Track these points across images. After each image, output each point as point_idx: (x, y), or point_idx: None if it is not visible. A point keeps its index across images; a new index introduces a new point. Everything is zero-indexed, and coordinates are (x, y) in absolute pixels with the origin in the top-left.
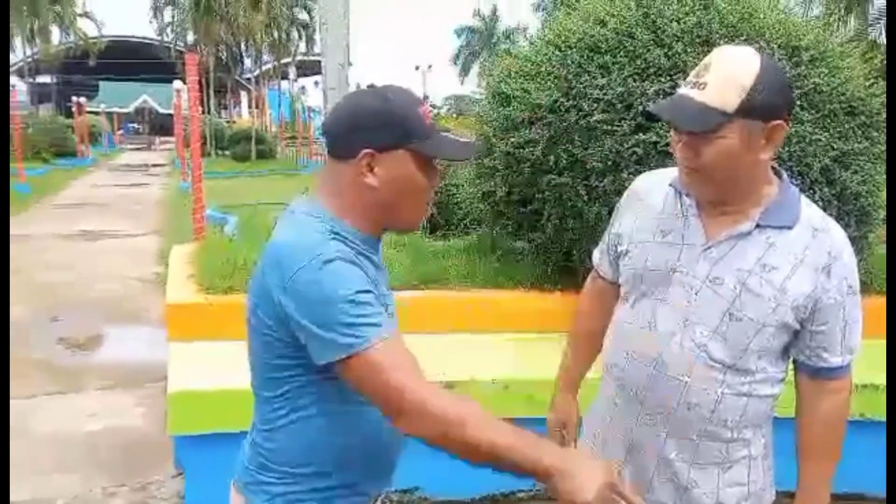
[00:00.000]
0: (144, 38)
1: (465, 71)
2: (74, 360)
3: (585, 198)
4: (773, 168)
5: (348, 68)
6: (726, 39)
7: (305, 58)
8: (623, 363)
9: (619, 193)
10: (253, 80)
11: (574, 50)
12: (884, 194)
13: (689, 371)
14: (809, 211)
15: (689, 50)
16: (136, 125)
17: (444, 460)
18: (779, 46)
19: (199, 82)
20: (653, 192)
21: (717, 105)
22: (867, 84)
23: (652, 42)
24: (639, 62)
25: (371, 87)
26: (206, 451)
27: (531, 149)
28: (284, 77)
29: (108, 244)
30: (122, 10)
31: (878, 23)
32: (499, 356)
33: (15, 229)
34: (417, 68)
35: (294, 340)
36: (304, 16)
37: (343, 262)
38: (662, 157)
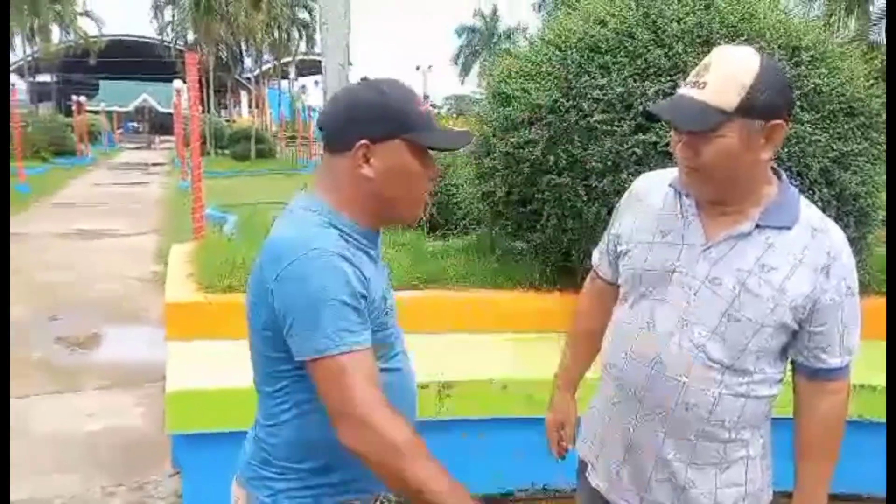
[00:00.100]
0: (144, 37)
1: (465, 71)
2: (73, 360)
3: (585, 198)
4: (772, 168)
5: (349, 68)
6: (726, 39)
7: (306, 57)
8: (622, 363)
9: (619, 194)
10: (253, 79)
11: (574, 50)
12: (883, 195)
13: (687, 371)
14: (808, 211)
15: (689, 50)
16: (135, 124)
17: (441, 459)
18: (779, 47)
19: (199, 81)
20: (652, 192)
21: (717, 104)
22: (867, 85)
23: (652, 42)
24: (639, 62)
25: (364, 80)
26: (204, 450)
27: (531, 149)
28: (285, 76)
29: (107, 243)
30: (122, 9)
31: (880, 23)
32: (498, 356)
33: (14, 228)
34: (418, 68)
35: None
36: (304, 15)
37: (337, 259)
38: (662, 158)
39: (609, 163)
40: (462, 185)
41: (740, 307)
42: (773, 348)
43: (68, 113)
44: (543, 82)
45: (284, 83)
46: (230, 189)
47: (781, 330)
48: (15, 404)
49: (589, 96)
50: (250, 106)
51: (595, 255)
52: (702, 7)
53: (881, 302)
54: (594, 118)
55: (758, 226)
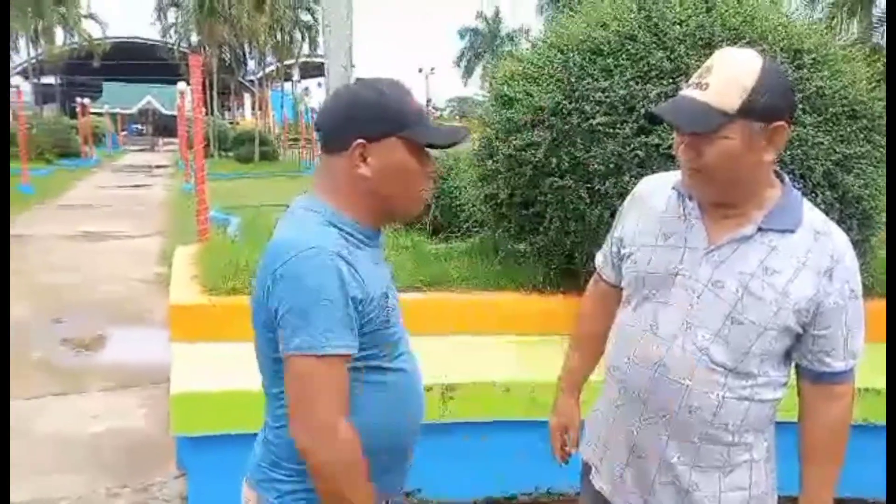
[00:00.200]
0: (148, 39)
1: (468, 73)
2: (77, 362)
3: (587, 200)
4: (775, 172)
5: (351, 70)
6: (728, 42)
7: (309, 59)
8: (625, 366)
9: (622, 196)
10: (256, 81)
11: (576, 52)
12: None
13: (690, 374)
14: (811, 214)
15: (691, 53)
16: (139, 126)
17: (444, 463)
18: (781, 49)
19: (203, 84)
20: (655, 195)
21: (719, 105)
22: (870, 88)
23: (654, 45)
24: (641, 65)
25: (359, 80)
26: (209, 452)
27: (533, 151)
28: (288, 79)
29: (112, 245)
30: (126, 12)
31: (882, 26)
32: (501, 358)
33: (18, 230)
34: (420, 70)
35: None
36: (307, 17)
37: (335, 258)
38: (664, 160)
39: (611, 165)
40: (465, 188)
41: (743, 310)
42: (776, 351)
43: (73, 115)
44: (546, 85)
45: (287, 85)
46: (234, 191)
47: (785, 333)
48: (20, 405)
49: (591, 99)
50: (254, 108)
51: (598, 257)
52: (703, 10)
53: (885, 304)
54: (596, 121)
55: (760, 229)
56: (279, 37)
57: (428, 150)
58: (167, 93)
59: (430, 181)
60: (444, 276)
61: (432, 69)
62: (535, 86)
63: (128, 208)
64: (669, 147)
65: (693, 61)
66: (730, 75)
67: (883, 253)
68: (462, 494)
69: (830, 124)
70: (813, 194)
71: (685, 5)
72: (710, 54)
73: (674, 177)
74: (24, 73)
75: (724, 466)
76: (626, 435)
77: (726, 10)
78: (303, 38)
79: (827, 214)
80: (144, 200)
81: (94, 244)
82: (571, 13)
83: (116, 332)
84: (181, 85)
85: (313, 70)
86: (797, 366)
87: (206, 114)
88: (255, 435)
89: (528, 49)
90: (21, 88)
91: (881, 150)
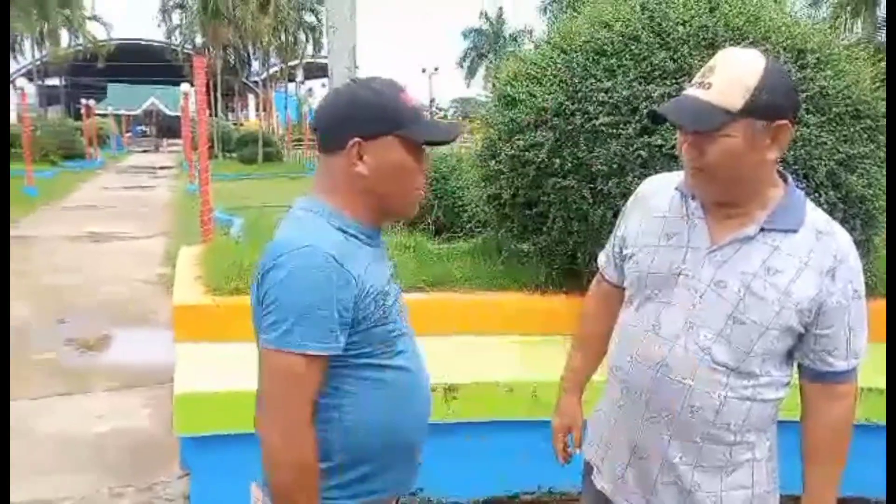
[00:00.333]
0: (153, 41)
1: (471, 74)
2: (82, 362)
3: (590, 201)
4: (778, 171)
5: (355, 71)
6: (732, 42)
7: (312, 60)
8: (627, 366)
9: (625, 196)
10: (260, 82)
11: (579, 53)
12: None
13: (692, 374)
14: (814, 215)
15: (694, 53)
16: (144, 127)
17: (447, 462)
18: (784, 49)
19: (207, 85)
20: (658, 195)
21: (722, 104)
22: (873, 87)
23: (657, 45)
24: (644, 65)
25: (355, 80)
26: (212, 452)
27: (536, 152)
28: (291, 80)
29: (116, 246)
30: (130, 14)
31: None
32: (503, 358)
33: (23, 231)
34: (424, 71)
35: None
36: (311, 18)
37: (327, 259)
38: (667, 160)
39: (614, 165)
40: (468, 188)
41: (745, 310)
42: (778, 351)
43: (77, 116)
44: (549, 85)
45: (291, 86)
46: (237, 192)
47: (787, 333)
48: (24, 405)
49: (594, 99)
50: (257, 109)
51: (601, 257)
52: (707, 10)
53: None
54: (599, 121)
55: (763, 229)
56: (283, 38)
57: (425, 147)
58: (171, 94)
59: (425, 177)
60: (447, 277)
61: (436, 69)
62: (539, 86)
63: (132, 209)
64: (672, 147)
65: (696, 62)
66: (733, 74)
67: (885, 252)
68: (464, 494)
69: (834, 124)
70: (816, 194)
71: (688, 6)
72: (714, 54)
73: (677, 177)
74: (29, 75)
75: (727, 466)
76: (628, 435)
77: (730, 11)
78: (307, 40)
79: (830, 214)
80: (148, 201)
81: (98, 245)
82: (574, 14)
83: (121, 332)
84: (185, 86)
85: (317, 71)
86: (800, 365)
87: (210, 115)
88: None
89: (531, 49)
90: (25, 90)
91: (884, 150)
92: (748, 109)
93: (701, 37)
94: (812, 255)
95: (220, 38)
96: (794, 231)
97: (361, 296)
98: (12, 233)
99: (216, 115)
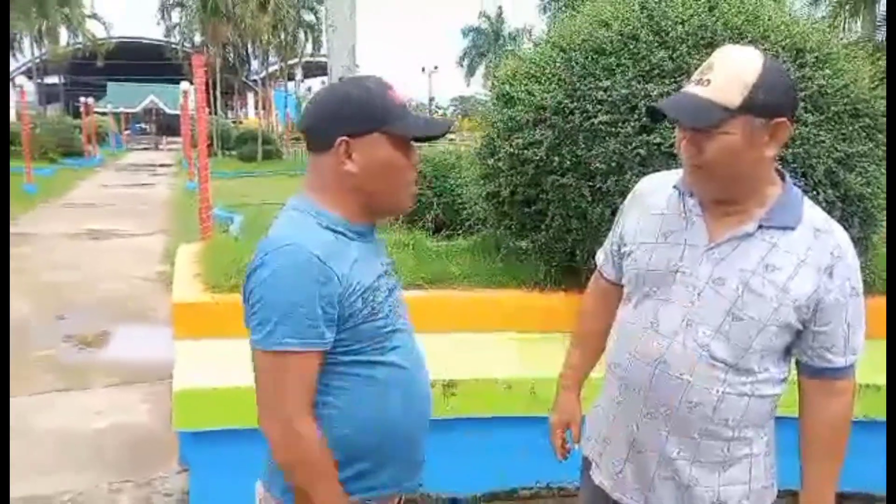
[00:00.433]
0: (152, 39)
1: (471, 72)
2: (81, 358)
3: (589, 199)
4: (776, 170)
5: (355, 70)
6: (731, 41)
7: (312, 59)
8: (626, 363)
9: (623, 194)
10: (259, 81)
11: (578, 52)
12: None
13: (691, 370)
14: (812, 212)
15: (693, 52)
16: (143, 125)
17: (446, 458)
18: (783, 48)
19: (206, 83)
20: (656, 193)
21: (720, 101)
22: (872, 86)
23: (656, 44)
24: (643, 64)
25: (341, 79)
26: (211, 448)
27: (535, 150)
28: (291, 78)
29: (115, 244)
30: (129, 12)
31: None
32: (502, 355)
33: (22, 229)
34: (423, 69)
35: None
36: (310, 17)
37: (309, 257)
38: (666, 159)
39: (613, 164)
40: (467, 186)
41: (744, 307)
42: (777, 348)
43: (76, 114)
44: (548, 84)
45: (291, 85)
46: (237, 190)
47: (785, 329)
48: (24, 402)
49: (593, 98)
50: (257, 107)
51: (599, 255)
52: (706, 9)
53: (885, 302)
54: (598, 119)
55: (761, 226)
56: (282, 36)
57: (413, 143)
58: (171, 92)
59: (415, 173)
60: (446, 274)
61: (435, 67)
62: (538, 85)
63: (131, 207)
64: (671, 146)
65: (695, 61)
66: (731, 71)
67: (884, 250)
68: (463, 489)
69: (832, 123)
70: (815, 192)
71: (687, 5)
72: (712, 53)
73: (675, 175)
74: (28, 73)
75: (724, 461)
76: (626, 431)
77: (728, 10)
78: (306, 38)
79: (829, 213)
80: (148, 199)
81: (97, 243)
82: (574, 13)
83: (120, 329)
84: (185, 84)
85: (316, 70)
86: (798, 362)
87: (210, 113)
88: (257, 431)
89: (530, 48)
90: (25, 88)
91: (883, 148)
92: (746, 106)
93: (700, 36)
94: (810, 252)
95: (219, 37)
96: (792, 228)
97: (347, 293)
98: (11, 230)
99: (215, 114)
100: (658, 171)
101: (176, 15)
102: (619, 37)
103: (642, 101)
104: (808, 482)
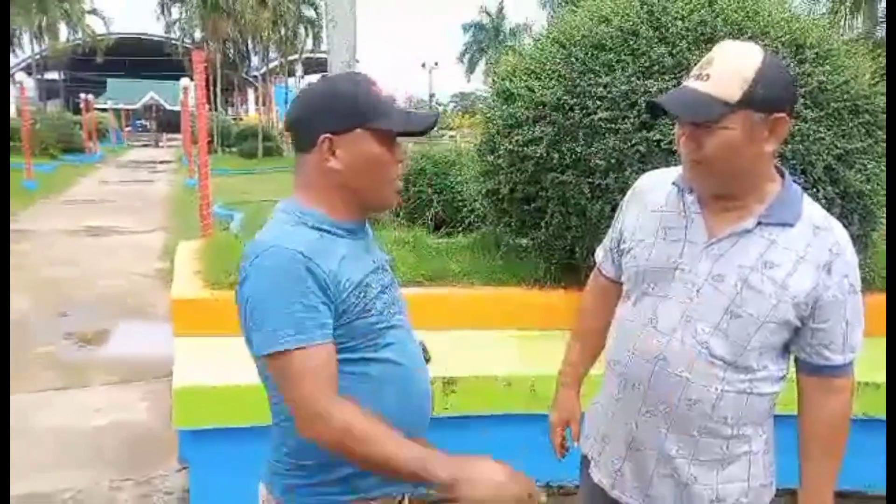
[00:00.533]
0: (152, 35)
1: (471, 68)
2: (81, 356)
3: (589, 195)
4: (775, 166)
5: (355, 66)
6: (731, 37)
7: (312, 55)
8: (625, 360)
9: (623, 191)
10: (260, 77)
11: (578, 48)
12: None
13: (690, 367)
14: (811, 209)
15: (693, 48)
16: (143, 122)
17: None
18: (783, 44)
19: (207, 79)
20: (656, 190)
21: (720, 96)
22: (872, 83)
23: (656, 40)
24: (643, 60)
25: (323, 77)
26: (211, 446)
27: (535, 146)
28: (291, 74)
29: (115, 240)
30: (129, 8)
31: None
32: (502, 353)
33: (22, 225)
34: (424, 66)
35: None
36: (310, 13)
37: (294, 255)
38: (666, 155)
39: (613, 160)
40: (466, 183)
41: (742, 303)
42: (775, 345)
43: (76, 110)
44: (547, 80)
45: (291, 81)
46: (237, 187)
47: (783, 326)
48: (23, 399)
49: (593, 94)
50: (257, 104)
51: (598, 252)
52: (706, 5)
53: (885, 299)
54: (598, 116)
55: (760, 223)
56: (283, 32)
57: (398, 138)
58: (171, 88)
59: (401, 168)
60: (446, 271)
61: (436, 64)
62: (537, 81)
63: (131, 204)
64: (670, 142)
65: (695, 57)
66: (731, 66)
67: (884, 247)
68: None
69: (832, 119)
70: (814, 189)
71: (687, 1)
72: (712, 49)
73: (674, 172)
74: (28, 69)
75: (723, 459)
76: (625, 428)
77: (728, 6)
78: (306, 34)
79: (828, 210)
80: (148, 196)
81: (97, 239)
82: (574, 9)
83: (119, 326)
84: (185, 81)
85: (316, 66)
86: (796, 359)
87: (210, 109)
88: (257, 429)
89: (530, 44)
90: (25, 84)
91: (883, 145)
92: (746, 101)
93: (700, 32)
94: (809, 249)
95: (219, 33)
96: (791, 225)
97: (338, 291)
98: (11, 226)
99: (216, 110)
100: (658, 167)
101: (176, 11)
102: (619, 33)
103: (642, 98)
104: (806, 480)
